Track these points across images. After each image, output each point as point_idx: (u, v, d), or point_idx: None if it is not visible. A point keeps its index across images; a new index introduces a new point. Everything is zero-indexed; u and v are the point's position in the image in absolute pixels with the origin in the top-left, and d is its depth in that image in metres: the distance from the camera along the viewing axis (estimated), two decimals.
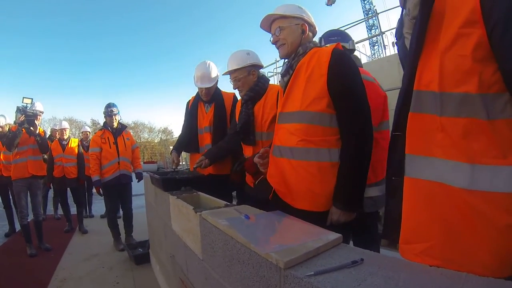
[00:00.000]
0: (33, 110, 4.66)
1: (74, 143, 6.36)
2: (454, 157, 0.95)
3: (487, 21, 0.87)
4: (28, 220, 4.76)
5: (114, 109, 5.02)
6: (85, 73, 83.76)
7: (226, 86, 3.30)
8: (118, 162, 4.92)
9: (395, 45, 1.41)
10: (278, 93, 2.38)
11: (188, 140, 3.41)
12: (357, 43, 10.63)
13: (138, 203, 5.61)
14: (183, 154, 3.96)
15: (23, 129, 4.61)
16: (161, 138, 45.87)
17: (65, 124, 6.53)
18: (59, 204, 6.54)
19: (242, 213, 1.56)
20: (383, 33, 12.66)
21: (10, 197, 5.80)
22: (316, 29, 1.97)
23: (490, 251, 0.90)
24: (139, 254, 4.29)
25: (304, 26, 1.87)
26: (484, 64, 0.90)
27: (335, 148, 1.71)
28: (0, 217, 6.57)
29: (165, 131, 49.08)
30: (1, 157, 5.46)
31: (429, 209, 1.01)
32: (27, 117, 4.55)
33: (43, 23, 79.21)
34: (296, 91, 1.80)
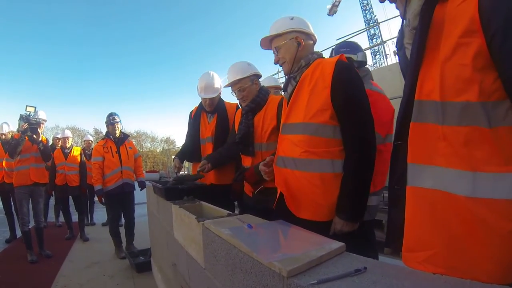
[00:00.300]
0: (36, 118, 4.71)
1: (76, 151, 6.41)
2: (456, 166, 0.96)
3: (486, 30, 0.88)
4: (30, 227, 4.76)
5: (116, 118, 5.06)
6: (89, 82, 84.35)
7: (229, 97, 3.32)
8: (121, 171, 4.93)
9: (396, 55, 1.42)
10: (278, 104, 2.41)
11: (191, 150, 3.42)
12: None
13: (140, 212, 5.61)
14: (186, 163, 3.97)
15: (26, 137, 4.64)
16: (163, 147, 46.01)
17: (68, 133, 6.59)
18: (61, 212, 6.53)
19: (245, 223, 1.56)
20: (385, 42, 12.68)
21: (12, 203, 5.82)
22: (315, 36, 1.98)
23: (493, 259, 0.90)
24: (141, 262, 4.28)
25: (299, 38, 1.88)
26: (484, 73, 0.91)
27: (338, 159, 1.72)
28: (1, 224, 6.58)
29: (167, 140, 49.26)
30: (4, 164, 5.50)
31: (432, 218, 1.01)
32: (30, 125, 4.59)
33: (47, 30, 80.00)
34: (299, 102, 1.81)
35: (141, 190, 5.14)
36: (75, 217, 6.28)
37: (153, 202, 3.49)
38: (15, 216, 5.71)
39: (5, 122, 5.87)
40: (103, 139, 5.14)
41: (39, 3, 78.93)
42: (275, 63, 2.01)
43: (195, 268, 1.90)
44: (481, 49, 0.90)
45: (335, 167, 1.72)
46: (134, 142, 5.70)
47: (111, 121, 5.03)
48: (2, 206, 6.02)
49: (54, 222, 7.32)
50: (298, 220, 1.71)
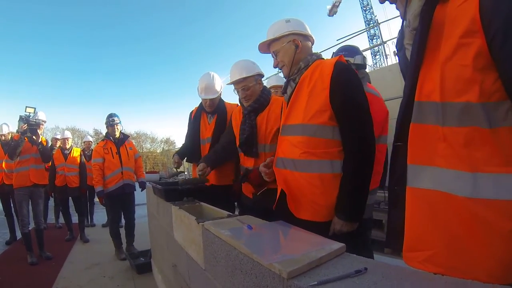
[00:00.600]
0: (35, 119, 4.71)
1: (76, 152, 6.41)
2: (457, 167, 0.96)
3: (487, 31, 0.88)
4: (29, 229, 4.77)
5: (116, 119, 5.06)
6: (88, 82, 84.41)
7: (228, 97, 3.31)
8: (122, 172, 4.93)
9: (396, 56, 1.42)
10: (282, 105, 2.40)
11: (191, 150, 3.42)
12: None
13: (140, 213, 5.61)
14: (186, 164, 3.97)
15: (25, 138, 4.64)
16: (163, 148, 45.92)
17: (68, 134, 6.60)
18: (61, 213, 6.54)
19: (245, 223, 1.56)
20: (385, 42, 12.68)
21: (12, 205, 5.82)
22: (313, 37, 1.98)
23: (493, 258, 0.90)
24: (141, 263, 4.28)
25: (296, 41, 1.88)
26: (485, 73, 0.91)
27: (337, 160, 1.73)
28: (1, 225, 6.58)
29: (167, 141, 49.18)
30: (3, 166, 5.49)
31: (432, 218, 1.01)
32: (30, 126, 4.60)
33: (46, 31, 80.00)
34: (299, 104, 1.81)
35: (141, 190, 5.14)
36: (75, 219, 6.28)
37: (153, 203, 3.49)
38: (15, 217, 5.71)
39: (4, 123, 5.87)
40: (103, 140, 5.14)
41: (39, 3, 79.15)
42: (275, 67, 2.02)
43: (195, 269, 1.90)
44: (481, 49, 0.90)
45: (334, 167, 1.72)
46: (134, 143, 5.70)
47: (110, 122, 5.03)
48: (2, 207, 6.02)
49: (54, 224, 7.31)
50: (297, 221, 1.72)
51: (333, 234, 1.70)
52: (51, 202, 7.12)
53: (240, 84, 2.53)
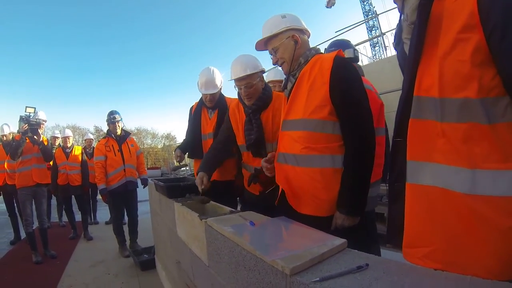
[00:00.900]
0: (36, 119, 4.71)
1: (77, 150, 6.42)
2: (455, 163, 0.96)
3: (485, 26, 0.88)
4: (34, 228, 4.79)
5: (117, 116, 5.05)
6: (87, 80, 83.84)
7: (229, 92, 3.27)
8: (124, 169, 4.95)
9: (395, 49, 1.42)
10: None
11: (192, 146, 3.41)
12: (358, 44, 10.60)
13: (143, 209, 5.63)
14: (187, 159, 3.97)
15: (26, 138, 4.65)
16: (164, 143, 45.83)
17: (68, 132, 6.60)
18: (64, 212, 6.57)
19: (247, 220, 1.58)
20: (384, 34, 12.56)
21: (15, 205, 5.85)
22: (309, 30, 1.97)
23: (492, 255, 0.90)
24: (145, 260, 4.31)
25: (295, 36, 1.87)
26: (483, 69, 0.91)
27: (338, 154, 1.73)
28: (5, 225, 6.63)
29: (168, 136, 49.06)
30: (6, 166, 5.51)
31: (431, 214, 1.02)
32: (31, 126, 4.60)
33: (45, 30, 79.69)
34: (299, 99, 1.81)
35: (144, 187, 5.15)
36: (78, 217, 6.31)
37: (155, 200, 3.50)
38: (18, 217, 5.76)
39: (5, 124, 5.88)
40: (104, 137, 5.15)
41: (34, 3, 78.79)
42: (274, 64, 2.00)
43: (199, 265, 1.92)
44: (480, 44, 0.90)
45: (336, 162, 1.73)
46: (135, 139, 5.70)
47: (112, 120, 5.02)
48: (5, 208, 6.05)
49: (58, 222, 7.36)
50: (300, 216, 1.73)
51: (335, 228, 1.71)
52: (54, 201, 7.14)
53: (244, 81, 2.40)
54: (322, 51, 2.04)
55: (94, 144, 6.87)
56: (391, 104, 2.39)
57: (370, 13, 33.69)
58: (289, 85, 1.92)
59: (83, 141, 8.48)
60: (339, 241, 1.16)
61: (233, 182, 3.09)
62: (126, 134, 5.23)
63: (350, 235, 1.51)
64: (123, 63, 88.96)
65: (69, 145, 6.35)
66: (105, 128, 5.39)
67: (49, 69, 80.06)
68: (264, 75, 2.69)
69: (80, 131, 40.28)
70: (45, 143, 4.92)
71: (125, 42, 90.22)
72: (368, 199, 2.04)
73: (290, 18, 1.90)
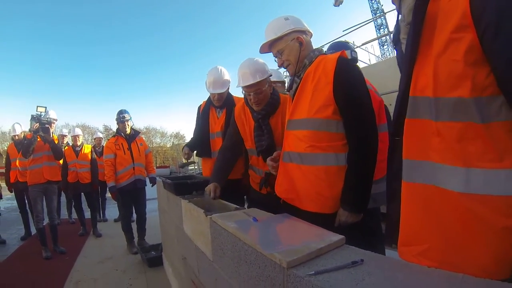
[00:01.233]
0: (47, 118, 4.81)
1: (87, 149, 6.53)
2: (450, 161, 0.96)
3: (478, 25, 0.88)
4: (44, 224, 4.89)
5: (126, 115, 5.11)
6: (97, 79, 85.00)
7: (237, 91, 3.28)
8: (133, 168, 5.01)
9: (395, 49, 1.43)
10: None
11: (200, 144, 3.43)
12: (366, 43, 10.56)
13: (151, 207, 5.70)
14: (195, 158, 3.99)
15: (38, 137, 4.75)
16: (173, 142, 46.14)
17: (78, 131, 6.71)
18: (73, 209, 6.68)
19: (251, 216, 1.62)
20: (392, 32, 12.51)
21: (26, 202, 5.96)
22: (311, 31, 1.99)
23: (488, 254, 0.90)
24: (152, 257, 4.37)
25: (300, 38, 1.89)
26: (477, 68, 0.90)
27: (342, 152, 1.76)
28: (17, 221, 6.75)
29: (177, 135, 49.40)
30: (17, 164, 5.60)
31: (426, 213, 1.03)
32: (42, 125, 4.70)
33: (55, 29, 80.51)
34: (303, 99, 1.84)
35: (152, 186, 5.22)
36: (87, 214, 6.41)
37: (163, 198, 3.56)
38: (29, 214, 5.86)
39: (17, 123, 6.00)
40: (114, 136, 5.22)
41: (45, 3, 79.47)
42: (279, 66, 2.03)
43: (203, 261, 1.96)
44: (473, 44, 0.90)
45: (339, 160, 1.76)
46: (144, 138, 5.76)
47: (121, 119, 5.09)
48: (17, 204, 6.17)
49: (68, 219, 7.47)
50: (304, 214, 1.75)
51: (338, 225, 1.74)
52: (63, 198, 7.24)
53: (253, 88, 2.33)
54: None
55: (103, 143, 6.94)
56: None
57: (378, 12, 33.41)
58: (294, 86, 1.95)
59: (92, 140, 8.57)
60: (337, 237, 1.19)
61: (241, 181, 3.11)
62: (135, 133, 5.29)
63: (353, 232, 1.55)
64: (131, 61, 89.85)
65: (79, 143, 6.46)
66: (114, 127, 5.46)
67: (60, 68, 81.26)
68: None
69: (90, 130, 40.75)
70: (56, 142, 5.01)
71: (134, 40, 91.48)
72: (376, 195, 2.06)
73: (293, 20, 1.92)
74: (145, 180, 5.25)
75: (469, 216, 0.93)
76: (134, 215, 5.25)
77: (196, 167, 13.48)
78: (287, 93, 2.12)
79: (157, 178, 4.21)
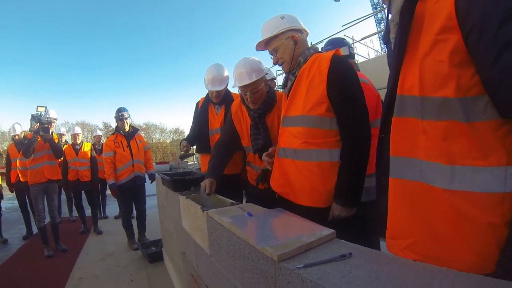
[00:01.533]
0: (47, 117, 4.85)
1: (87, 147, 6.56)
2: (436, 159, 0.99)
3: (463, 27, 0.90)
4: (45, 223, 4.94)
5: (125, 113, 5.15)
6: (95, 76, 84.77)
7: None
8: (133, 165, 5.04)
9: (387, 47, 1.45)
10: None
11: (199, 141, 3.46)
12: (366, 37, 10.55)
13: (150, 203, 5.73)
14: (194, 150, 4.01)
15: (38, 137, 4.78)
16: (172, 138, 46.09)
17: (78, 130, 6.75)
18: (74, 207, 6.73)
19: (246, 211, 1.66)
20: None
21: (27, 201, 6.00)
22: (306, 30, 2.01)
23: (472, 249, 0.93)
24: (153, 253, 4.42)
25: (294, 36, 1.91)
26: (462, 69, 0.93)
27: (335, 148, 1.80)
28: (18, 221, 6.80)
29: (176, 131, 49.29)
30: (18, 164, 5.63)
31: (412, 208, 1.06)
32: (42, 124, 4.73)
33: (52, 27, 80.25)
34: (298, 96, 1.87)
35: (151, 182, 5.25)
36: (88, 212, 6.45)
37: (162, 194, 3.60)
38: (30, 213, 5.91)
39: (17, 123, 6.01)
40: (113, 134, 5.25)
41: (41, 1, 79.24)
42: (274, 64, 2.05)
43: (201, 255, 2.01)
44: (458, 45, 0.92)
45: (333, 156, 1.80)
46: (143, 134, 5.80)
47: (120, 117, 5.12)
48: (18, 204, 6.21)
49: (69, 217, 7.52)
50: (299, 208, 1.80)
51: (332, 219, 1.78)
52: (63, 196, 7.27)
53: (250, 88, 2.34)
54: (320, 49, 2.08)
55: (103, 140, 6.97)
56: None
57: (378, 6, 33.27)
58: (289, 83, 1.98)
59: (92, 138, 8.59)
60: (327, 231, 1.22)
61: (239, 176, 3.15)
62: (134, 130, 5.32)
63: (346, 225, 1.59)
64: (130, 58, 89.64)
65: (78, 142, 6.49)
66: (113, 123, 5.47)
67: (57, 65, 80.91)
68: None
69: (89, 128, 40.66)
70: (56, 141, 5.04)
71: (132, 37, 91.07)
72: (370, 189, 2.09)
73: (289, 19, 1.95)
74: (145, 177, 5.29)
75: (453, 212, 0.95)
76: (134, 212, 5.29)
77: (195, 162, 13.51)
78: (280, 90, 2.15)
79: (156, 174, 4.24)
